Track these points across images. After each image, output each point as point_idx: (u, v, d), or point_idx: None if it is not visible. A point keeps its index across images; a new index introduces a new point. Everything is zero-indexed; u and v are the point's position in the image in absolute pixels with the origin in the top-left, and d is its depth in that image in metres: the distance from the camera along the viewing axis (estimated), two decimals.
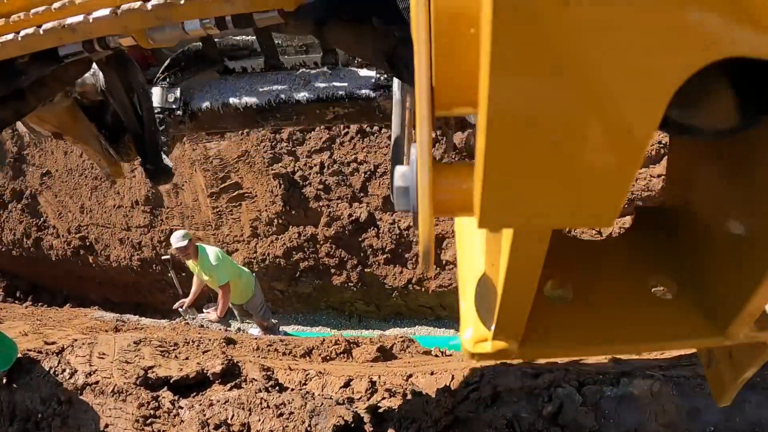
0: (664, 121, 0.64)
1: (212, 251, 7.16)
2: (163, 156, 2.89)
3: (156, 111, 2.94)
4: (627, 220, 6.01)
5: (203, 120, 3.11)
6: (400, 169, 0.80)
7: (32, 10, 1.65)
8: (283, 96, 2.97)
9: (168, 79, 3.06)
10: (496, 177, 0.62)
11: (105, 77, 2.51)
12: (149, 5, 1.52)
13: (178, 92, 3.05)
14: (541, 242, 0.77)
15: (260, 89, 3.03)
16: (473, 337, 1.01)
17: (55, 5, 1.61)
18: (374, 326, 8.99)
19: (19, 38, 1.67)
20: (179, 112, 3.02)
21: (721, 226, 0.97)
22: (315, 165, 8.21)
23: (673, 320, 1.00)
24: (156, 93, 3.02)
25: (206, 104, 3.04)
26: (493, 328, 0.96)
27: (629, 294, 1.03)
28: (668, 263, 1.07)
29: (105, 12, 1.57)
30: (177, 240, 6.85)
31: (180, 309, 7.58)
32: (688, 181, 1.09)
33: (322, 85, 2.96)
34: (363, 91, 2.87)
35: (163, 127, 2.94)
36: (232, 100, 3.02)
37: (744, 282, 0.89)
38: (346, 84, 2.92)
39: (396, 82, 2.18)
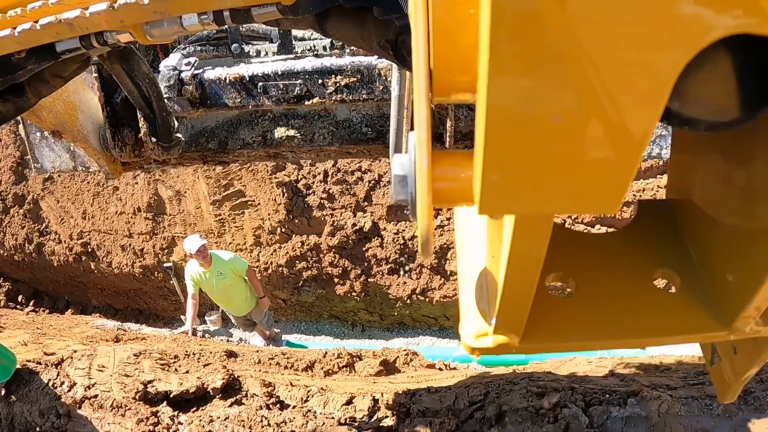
0: (665, 113, 0.62)
1: (220, 251, 7.31)
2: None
3: (169, 68, 3.18)
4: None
5: (208, 94, 3.29)
6: (398, 158, 0.79)
7: (29, 6, 1.64)
8: (286, 65, 3.15)
9: (187, 49, 3.31)
10: (496, 162, 0.61)
11: (110, 71, 2.52)
12: None
13: (192, 59, 3.28)
14: (543, 230, 0.75)
15: (265, 61, 3.26)
16: (473, 331, 0.99)
17: (52, 0, 1.60)
18: (377, 336, 8.94)
19: (16, 33, 1.66)
20: (188, 74, 3.21)
21: (725, 219, 0.95)
22: (319, 173, 8.20)
23: (677, 314, 0.98)
24: (173, 57, 3.27)
25: (214, 75, 3.25)
26: (493, 322, 0.94)
27: (632, 288, 1.01)
28: (672, 256, 1.05)
29: (102, 6, 1.56)
30: (196, 241, 6.69)
31: (189, 333, 7.24)
32: (691, 174, 1.07)
33: (326, 57, 3.15)
34: (365, 60, 3.01)
35: (171, 83, 3.15)
36: (237, 69, 3.24)
37: (750, 275, 0.87)
38: (348, 57, 3.09)
39: (395, 79, 2.18)
